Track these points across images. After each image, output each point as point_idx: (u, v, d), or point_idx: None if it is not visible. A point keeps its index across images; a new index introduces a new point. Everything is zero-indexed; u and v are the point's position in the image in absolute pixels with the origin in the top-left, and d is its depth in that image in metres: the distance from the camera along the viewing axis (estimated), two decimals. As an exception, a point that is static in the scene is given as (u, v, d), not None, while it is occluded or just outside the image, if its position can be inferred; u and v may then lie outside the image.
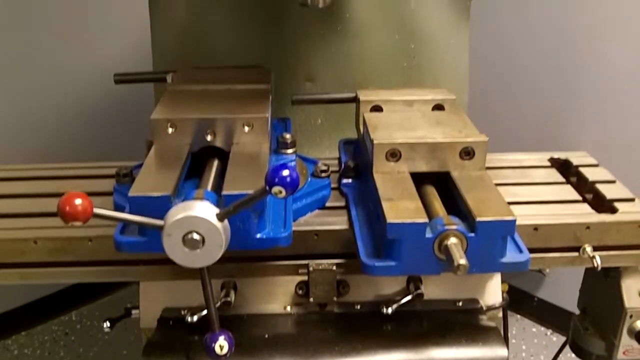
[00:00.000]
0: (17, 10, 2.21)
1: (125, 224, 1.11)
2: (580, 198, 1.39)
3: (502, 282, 1.33)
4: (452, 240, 1.05)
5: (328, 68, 1.66)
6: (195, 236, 0.98)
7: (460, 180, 1.19)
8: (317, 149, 1.70)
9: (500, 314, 1.33)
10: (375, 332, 1.23)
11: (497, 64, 2.39)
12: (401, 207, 1.10)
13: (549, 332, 2.76)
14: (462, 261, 1.00)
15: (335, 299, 1.25)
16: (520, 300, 2.74)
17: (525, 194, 1.39)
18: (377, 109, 1.40)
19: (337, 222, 1.26)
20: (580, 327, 1.45)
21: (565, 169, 1.52)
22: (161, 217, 1.00)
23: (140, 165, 1.36)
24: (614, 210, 1.33)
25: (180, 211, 0.98)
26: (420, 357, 1.18)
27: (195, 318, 1.19)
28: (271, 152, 1.31)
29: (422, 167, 1.22)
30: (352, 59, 1.65)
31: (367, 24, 1.63)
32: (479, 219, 1.06)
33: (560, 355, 1.76)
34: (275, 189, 0.92)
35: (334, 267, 1.23)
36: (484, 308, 1.29)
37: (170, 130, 1.20)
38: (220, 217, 0.98)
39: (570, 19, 2.21)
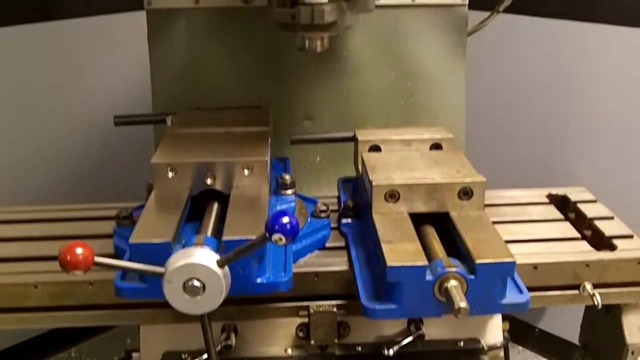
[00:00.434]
0: (18, 52, 2.23)
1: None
2: (579, 235, 1.40)
3: (503, 320, 1.32)
4: (452, 283, 1.05)
5: (326, 106, 1.68)
6: (196, 283, 0.98)
7: (459, 220, 1.19)
8: (316, 186, 1.71)
9: (502, 353, 1.33)
10: (377, 374, 1.23)
11: (493, 101, 2.41)
12: (401, 249, 1.10)
13: (550, 363, 2.74)
14: (463, 304, 1.00)
15: (336, 340, 1.25)
16: (521, 332, 2.72)
17: (524, 232, 1.40)
18: (375, 148, 1.41)
19: (337, 263, 1.27)
20: (582, 363, 1.45)
21: (564, 205, 1.52)
22: (162, 263, 1.00)
23: (140, 207, 1.37)
24: (613, 248, 1.34)
25: (181, 258, 0.98)
26: (422, 398, 1.18)
27: (196, 362, 1.19)
28: (271, 192, 1.31)
29: (421, 207, 1.23)
30: (350, 97, 1.67)
31: (364, 62, 1.65)
32: (478, 261, 1.06)
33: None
34: (276, 236, 0.92)
35: (335, 309, 1.23)
36: (486, 348, 1.28)
37: (170, 174, 1.21)
38: (221, 264, 0.99)
39: (564, 55, 2.24)
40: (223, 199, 1.22)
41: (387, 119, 1.67)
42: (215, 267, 0.98)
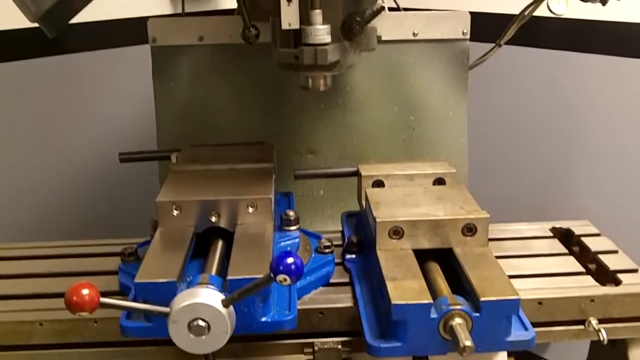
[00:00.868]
0: (21, 87, 2.24)
1: (131, 308, 1.11)
2: (583, 270, 1.39)
3: (509, 356, 1.32)
4: (457, 321, 1.05)
5: (329, 140, 1.69)
6: (201, 323, 0.98)
7: (463, 257, 1.19)
8: (319, 219, 1.72)
9: (508, 389, 1.32)
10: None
11: (495, 132, 2.43)
12: (405, 287, 1.10)
13: (557, 394, 2.71)
14: (468, 343, 1.01)
15: (341, 377, 1.25)
16: (527, 361, 2.71)
17: (529, 267, 1.40)
18: (378, 183, 1.42)
19: (342, 300, 1.27)
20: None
21: (568, 239, 1.52)
22: (167, 302, 1.01)
23: (145, 243, 1.38)
24: (617, 282, 1.33)
25: (186, 298, 0.99)
26: None
27: (201, 400, 1.19)
28: (275, 229, 1.32)
29: (425, 244, 1.23)
30: (353, 131, 1.69)
31: (367, 96, 1.67)
32: (483, 298, 1.06)
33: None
34: (280, 277, 0.93)
35: (339, 346, 1.23)
36: (491, 384, 1.28)
37: (175, 212, 1.22)
38: (226, 304, 0.99)
39: (565, 87, 2.26)
40: (227, 235, 1.23)
41: (390, 152, 1.69)
42: (220, 307, 0.98)
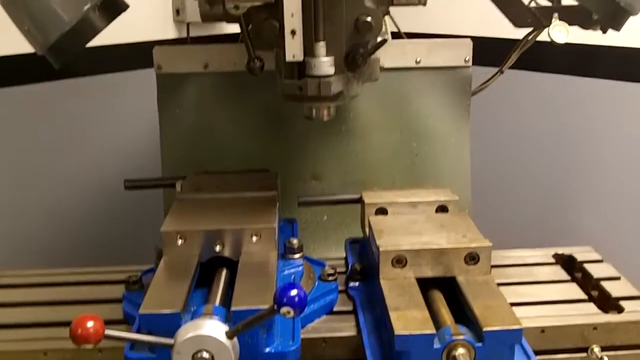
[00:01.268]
0: (24, 112, 2.25)
1: (136, 339, 1.12)
2: (586, 297, 1.40)
3: (512, 384, 1.32)
4: (460, 351, 1.05)
5: (333, 166, 1.70)
6: (205, 354, 0.99)
7: (466, 286, 1.20)
8: (323, 244, 1.72)
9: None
10: None
11: (498, 160, 2.44)
12: (409, 317, 1.11)
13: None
14: (471, 373, 1.01)
15: (344, 407, 1.25)
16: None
17: (531, 294, 1.40)
18: (381, 211, 1.42)
19: (345, 328, 1.27)
20: None
21: (570, 265, 1.53)
22: (171, 333, 1.01)
23: (148, 271, 1.38)
24: (620, 309, 1.34)
25: (190, 330, 0.99)
26: None
27: None
28: (279, 256, 1.32)
29: (428, 272, 1.24)
30: (357, 157, 1.70)
31: (370, 123, 1.69)
32: (486, 328, 1.06)
33: None
34: (284, 309, 0.93)
35: (343, 376, 1.24)
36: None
37: (180, 241, 1.23)
38: (230, 335, 1.00)
39: (567, 111, 2.27)
40: (231, 264, 1.24)
41: (394, 178, 1.70)
42: (224, 338, 0.99)
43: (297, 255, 1.35)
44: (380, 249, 1.23)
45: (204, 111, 1.66)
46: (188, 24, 2.59)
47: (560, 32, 1.43)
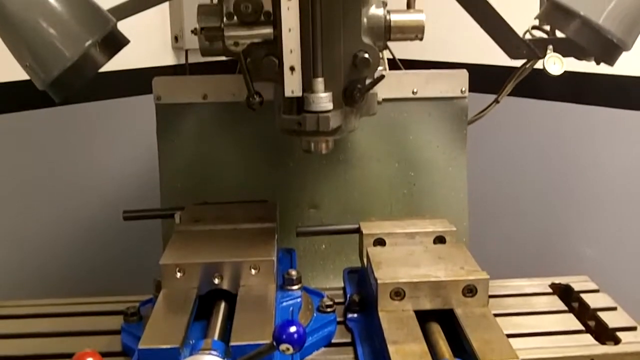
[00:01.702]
0: (21, 140, 2.25)
1: (135, 373, 1.12)
2: (582, 328, 1.40)
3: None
4: (459, 385, 1.06)
5: (331, 195, 1.72)
6: (204, 390, 0.99)
7: (464, 318, 1.20)
8: (321, 273, 1.73)
9: None
10: None
11: (495, 188, 2.45)
12: (407, 350, 1.12)
13: None
14: (469, 408, 1.01)
15: None
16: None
17: (529, 325, 1.40)
18: (380, 242, 1.43)
19: (344, 361, 1.27)
20: None
21: (567, 295, 1.53)
22: (170, 368, 1.02)
23: (147, 302, 1.39)
24: (617, 340, 1.34)
25: (190, 366, 1.00)
26: None
27: None
28: (277, 287, 1.33)
29: (426, 304, 1.24)
30: (354, 186, 1.72)
31: (368, 153, 1.70)
32: (483, 362, 1.07)
33: None
34: (283, 346, 0.94)
35: (341, 409, 1.24)
36: None
37: (178, 274, 1.23)
38: (229, 371, 1.00)
39: (565, 140, 2.28)
40: (230, 296, 1.24)
41: (391, 207, 1.71)
42: (223, 374, 0.99)
43: (295, 287, 1.36)
44: (379, 282, 1.23)
45: (202, 141, 1.67)
46: (187, 51, 2.61)
47: (555, 64, 1.45)
